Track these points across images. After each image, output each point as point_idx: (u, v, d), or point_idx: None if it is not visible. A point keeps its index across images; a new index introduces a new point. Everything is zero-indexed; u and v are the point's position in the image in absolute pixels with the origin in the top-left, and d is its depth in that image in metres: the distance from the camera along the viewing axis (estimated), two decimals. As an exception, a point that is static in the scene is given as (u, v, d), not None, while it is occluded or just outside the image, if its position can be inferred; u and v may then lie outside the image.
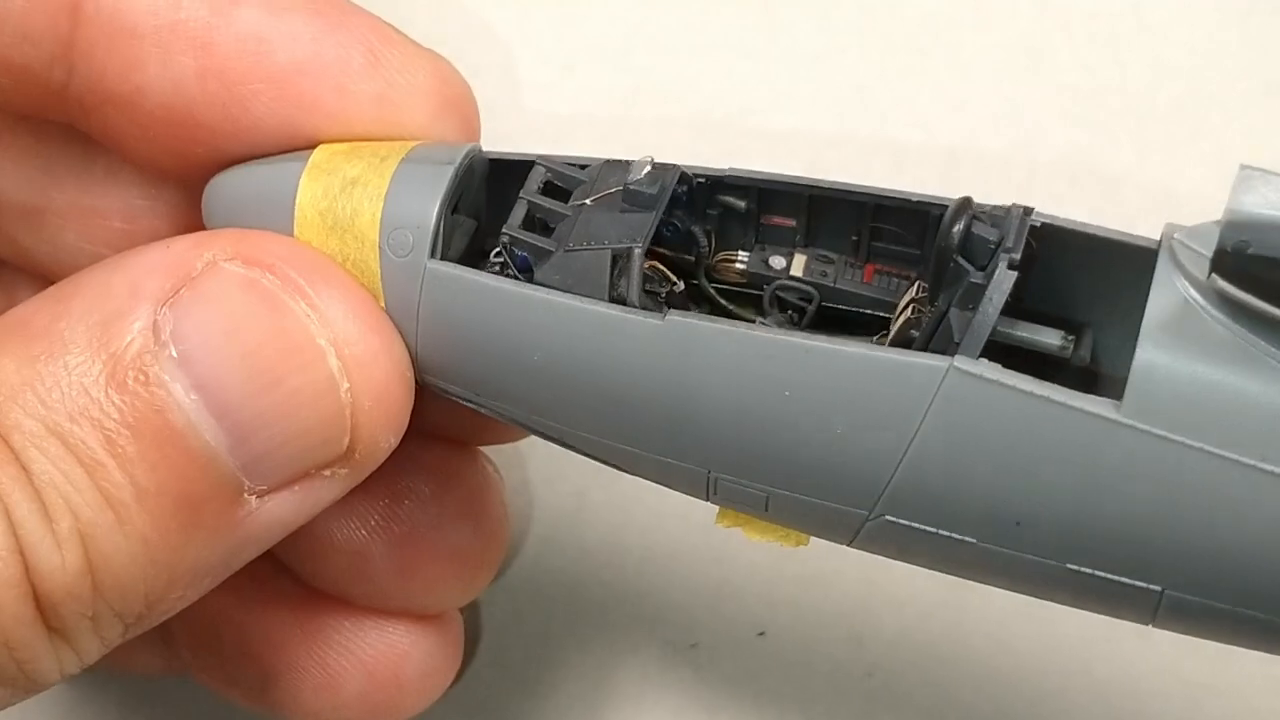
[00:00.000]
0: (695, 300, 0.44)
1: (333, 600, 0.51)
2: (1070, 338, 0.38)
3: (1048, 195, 0.63)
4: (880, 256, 0.43)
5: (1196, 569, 0.37)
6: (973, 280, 0.37)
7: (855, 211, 0.42)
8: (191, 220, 0.45)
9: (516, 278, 0.40)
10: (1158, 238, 0.38)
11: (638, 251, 0.38)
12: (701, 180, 0.41)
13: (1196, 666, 0.58)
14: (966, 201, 0.38)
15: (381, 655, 0.51)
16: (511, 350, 0.40)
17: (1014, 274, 0.36)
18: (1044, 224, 0.38)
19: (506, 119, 0.65)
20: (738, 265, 0.43)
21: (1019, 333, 0.38)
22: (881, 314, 0.42)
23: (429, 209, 0.39)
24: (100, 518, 0.36)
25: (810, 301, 0.42)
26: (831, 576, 0.60)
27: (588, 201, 0.40)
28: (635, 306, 0.38)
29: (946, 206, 0.39)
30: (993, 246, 0.37)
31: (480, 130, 0.45)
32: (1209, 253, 0.35)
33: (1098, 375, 0.41)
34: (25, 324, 0.38)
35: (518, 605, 0.61)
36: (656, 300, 0.40)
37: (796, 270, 0.43)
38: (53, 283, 0.48)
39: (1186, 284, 0.35)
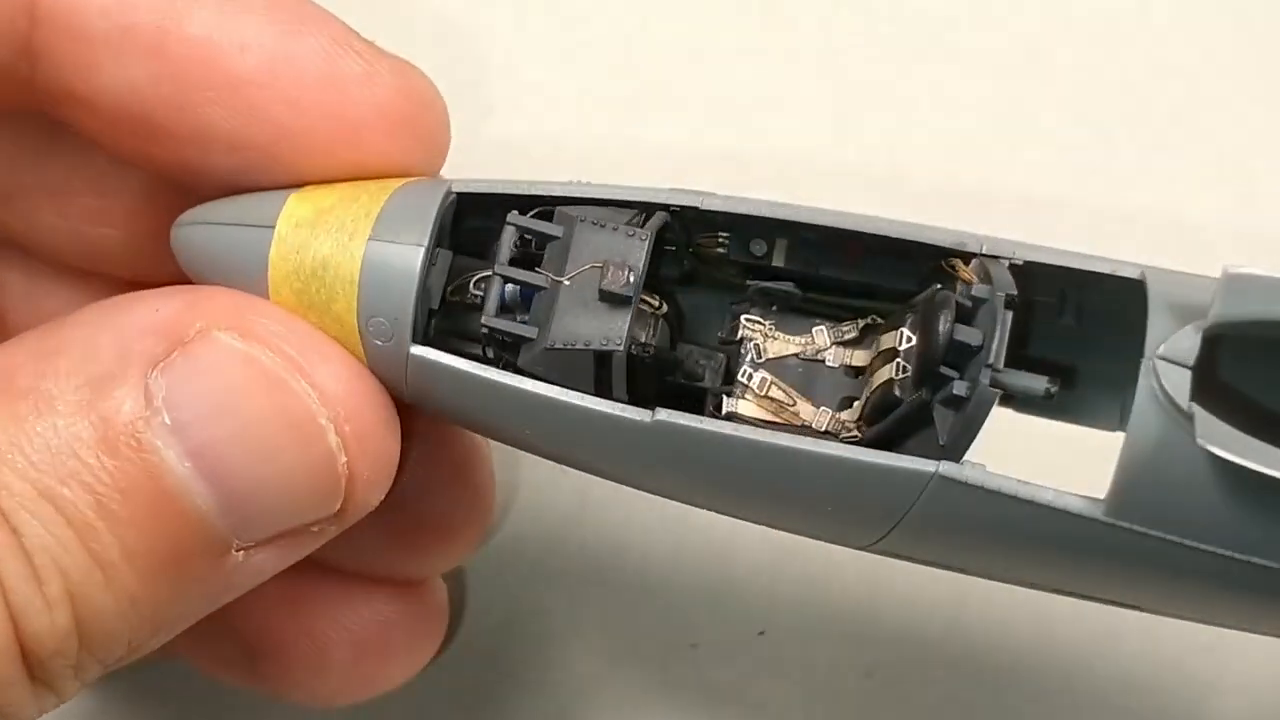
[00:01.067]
0: (681, 276, 0.44)
1: (317, 569, 0.50)
2: (1054, 383, 0.39)
3: (1047, 197, 0.63)
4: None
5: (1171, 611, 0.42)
6: (955, 393, 0.37)
7: (830, 234, 0.42)
8: (160, 198, 0.45)
9: (503, 358, 0.40)
10: (1133, 264, 0.38)
11: (618, 355, 0.39)
12: (677, 213, 0.41)
13: (1198, 665, 0.58)
14: (946, 299, 0.39)
15: (368, 623, 0.51)
16: (500, 426, 0.42)
17: (999, 392, 0.37)
18: (1026, 263, 0.39)
19: (506, 122, 0.65)
20: (718, 249, 0.43)
21: (1008, 379, 0.38)
22: (868, 298, 0.43)
23: (406, 300, 0.39)
24: (89, 578, 0.36)
25: (792, 298, 0.43)
26: (831, 576, 0.60)
27: (565, 281, 0.40)
28: (623, 402, 0.39)
29: (928, 243, 0.40)
30: (976, 350, 0.38)
31: (448, 139, 0.44)
32: (1190, 362, 0.36)
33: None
34: (8, 378, 0.37)
35: (518, 605, 0.61)
36: (644, 362, 0.41)
37: (778, 257, 0.42)
38: (33, 257, 0.49)
39: (1169, 411, 0.36)
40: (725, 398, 0.42)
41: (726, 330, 0.43)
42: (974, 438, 0.38)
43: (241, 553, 0.38)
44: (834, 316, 0.43)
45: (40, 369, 0.37)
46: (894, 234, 0.40)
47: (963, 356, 0.38)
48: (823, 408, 0.41)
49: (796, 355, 0.42)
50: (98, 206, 0.47)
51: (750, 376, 0.42)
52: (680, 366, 0.44)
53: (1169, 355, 0.36)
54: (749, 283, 0.43)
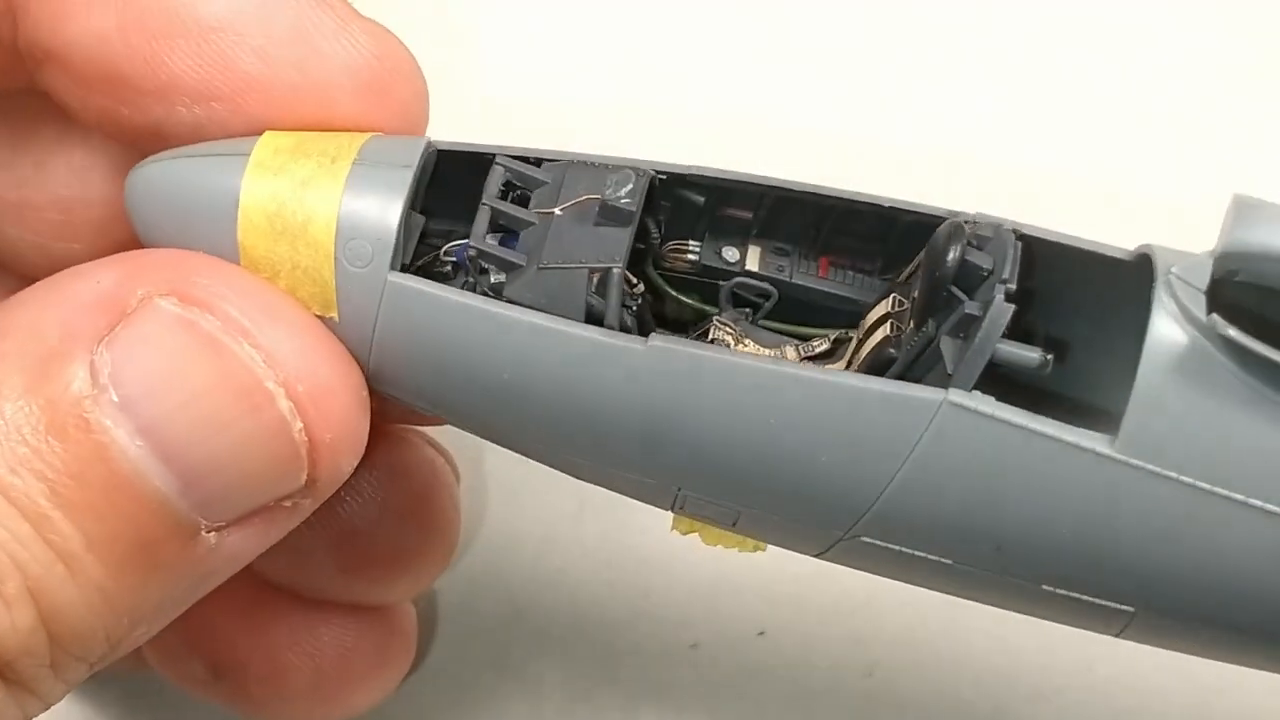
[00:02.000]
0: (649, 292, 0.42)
1: (279, 592, 0.50)
2: (1049, 356, 0.37)
3: (1046, 196, 0.63)
4: (836, 250, 0.42)
5: (1175, 594, 0.37)
6: (968, 311, 0.36)
7: (817, 210, 0.41)
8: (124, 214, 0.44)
9: (486, 293, 0.38)
10: (1131, 249, 0.37)
11: (617, 272, 0.37)
12: (663, 177, 0.40)
13: (1199, 665, 0.58)
14: (959, 227, 0.37)
15: (328, 647, 0.50)
16: (478, 368, 0.38)
17: (1011, 307, 0.35)
18: (1022, 237, 0.38)
19: (506, 117, 0.65)
20: (689, 256, 0.42)
21: (1001, 349, 0.36)
22: (841, 308, 0.41)
23: (389, 218, 0.37)
24: (50, 572, 0.34)
25: (768, 298, 0.41)
26: (831, 576, 0.60)
27: (558, 211, 0.38)
28: (614, 328, 0.37)
29: (919, 213, 0.38)
30: (986, 274, 0.36)
31: (427, 114, 0.42)
32: (1203, 286, 0.34)
33: (1076, 400, 0.41)
34: None
35: (518, 605, 0.61)
36: (630, 314, 0.39)
37: (751, 263, 0.41)
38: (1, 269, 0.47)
39: (1185, 323, 0.35)
40: None
41: (698, 333, 0.42)
42: (985, 361, 0.35)
43: (213, 534, 0.37)
44: (802, 338, 0.41)
45: None
46: (886, 204, 0.39)
47: (972, 283, 0.36)
48: None
49: None
50: (61, 221, 0.46)
51: None
52: None
53: (1183, 275, 0.34)
54: (722, 283, 0.42)
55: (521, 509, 0.61)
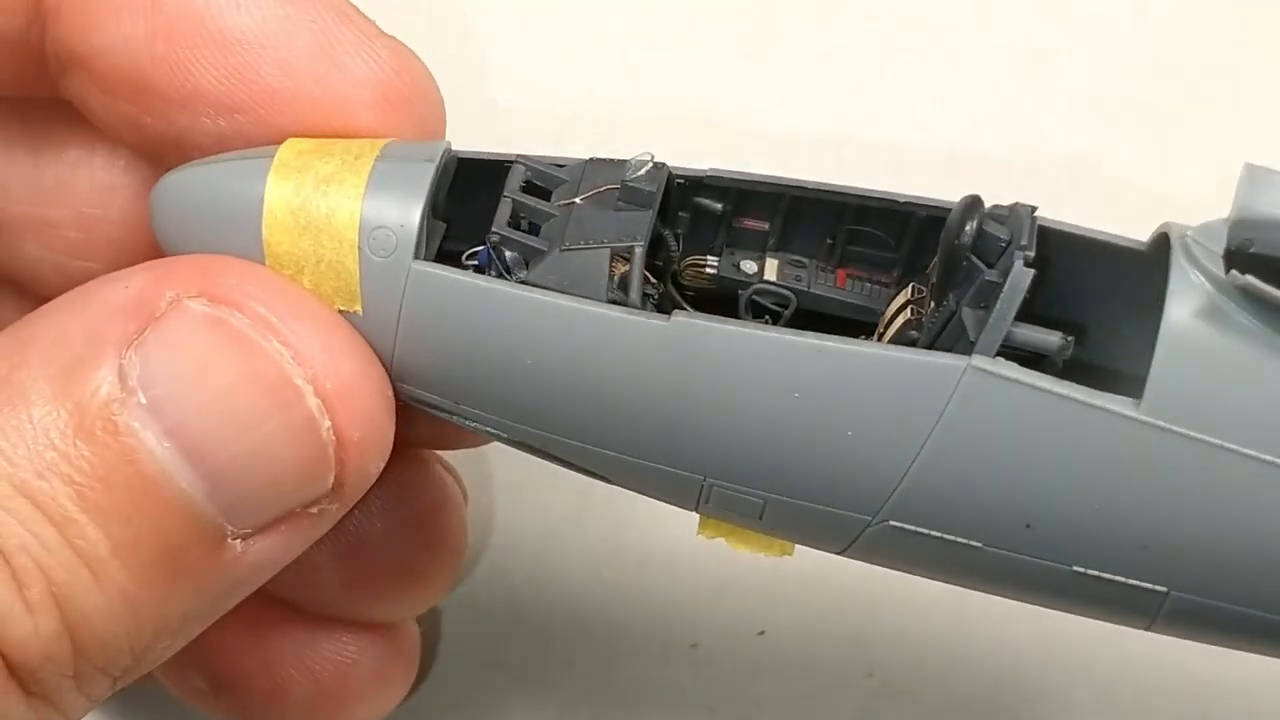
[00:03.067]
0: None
1: (282, 606, 0.50)
2: (1069, 339, 0.37)
3: (1048, 196, 0.62)
4: (853, 261, 0.42)
5: (1208, 570, 0.36)
6: (988, 278, 0.36)
7: (832, 214, 0.41)
8: (147, 228, 0.44)
9: (507, 278, 0.38)
10: (1146, 239, 0.37)
11: (639, 250, 0.37)
12: (681, 180, 0.40)
13: (1199, 664, 0.58)
14: (976, 200, 0.38)
15: (329, 663, 0.50)
16: (502, 354, 0.38)
17: (1031, 271, 0.35)
18: (1038, 227, 0.38)
19: (505, 120, 0.65)
20: (708, 270, 0.42)
21: (1020, 333, 0.36)
22: (859, 318, 0.42)
23: (413, 206, 0.37)
24: (75, 578, 0.34)
25: (786, 306, 0.42)
26: (831, 576, 0.60)
27: (578, 200, 0.38)
28: (637, 307, 0.37)
29: (934, 206, 0.39)
30: (1004, 244, 0.37)
31: (443, 129, 0.43)
32: (1220, 249, 0.34)
33: (1100, 374, 0.40)
34: None
35: (517, 605, 0.61)
36: (650, 301, 0.39)
37: (769, 274, 0.42)
38: (16, 289, 0.48)
39: (1204, 280, 0.34)
40: None
41: None
42: (1007, 327, 0.35)
43: (239, 541, 0.37)
44: None
45: (12, 362, 0.36)
46: (901, 200, 0.39)
47: (990, 254, 0.37)
48: None
49: None
50: (82, 239, 0.46)
51: None
52: None
53: (1199, 238, 0.34)
54: (740, 292, 0.42)
55: (521, 509, 0.61)
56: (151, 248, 0.42)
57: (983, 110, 0.64)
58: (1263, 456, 0.34)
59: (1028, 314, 0.37)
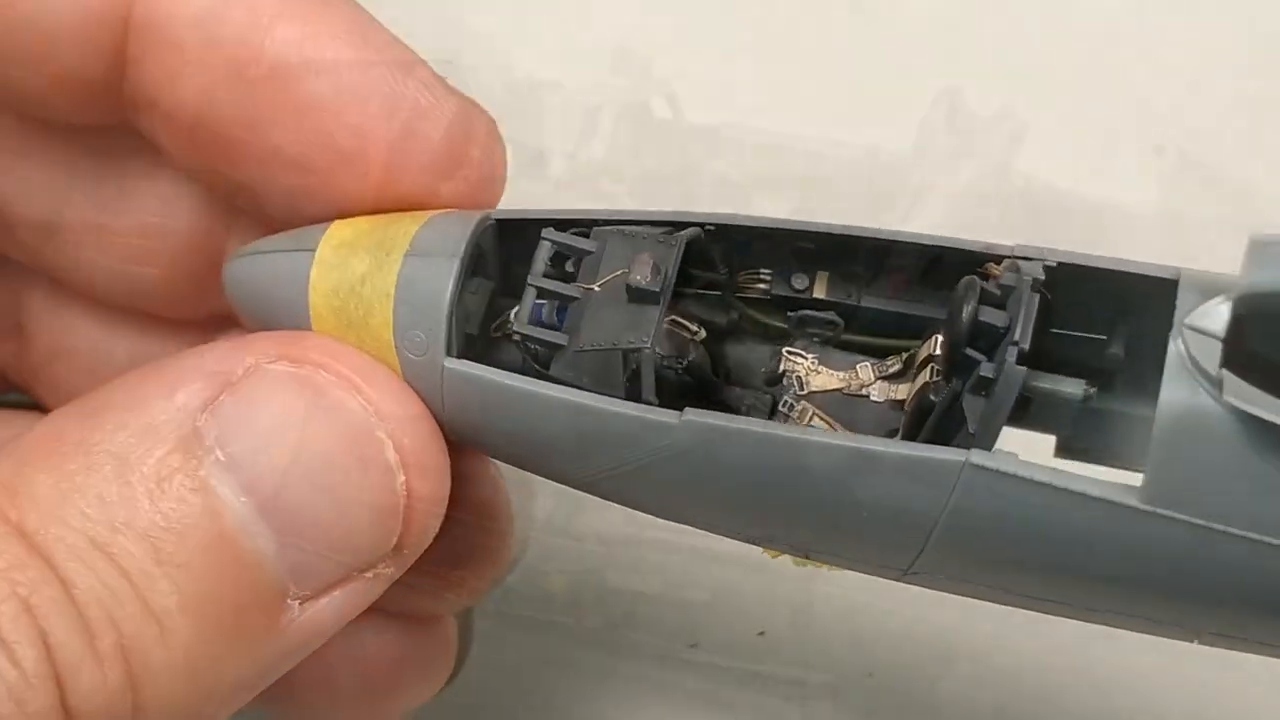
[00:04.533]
0: (725, 309, 0.43)
1: None
2: (1092, 388, 0.38)
3: (1047, 196, 0.63)
4: (898, 272, 0.42)
5: (1222, 626, 0.39)
6: (982, 374, 0.37)
7: (863, 248, 0.42)
8: (208, 236, 0.45)
9: (537, 365, 0.40)
10: (1173, 267, 0.38)
11: (646, 353, 0.38)
12: (710, 229, 0.41)
13: (1199, 665, 0.58)
14: (972, 283, 0.38)
15: (377, 655, 0.50)
16: (534, 438, 0.40)
17: (1023, 370, 0.36)
18: (1059, 264, 0.38)
19: (507, 123, 0.65)
20: (760, 284, 0.43)
21: (1042, 385, 0.38)
22: (910, 328, 0.42)
23: (439, 312, 0.39)
24: (144, 630, 0.35)
25: (835, 328, 0.42)
26: (831, 577, 0.60)
27: (596, 288, 0.40)
28: (652, 404, 0.38)
29: (958, 249, 0.39)
30: (1002, 332, 0.37)
31: (502, 182, 0.44)
32: (1219, 334, 0.35)
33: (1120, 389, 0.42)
34: (56, 440, 0.37)
35: (517, 604, 0.61)
36: (676, 373, 0.41)
37: (819, 289, 0.42)
38: (67, 290, 0.49)
39: (1199, 378, 0.35)
40: None
41: (770, 368, 0.43)
42: (1003, 422, 0.37)
43: (298, 603, 0.37)
44: (878, 353, 0.42)
45: (88, 425, 0.36)
46: (926, 243, 0.40)
47: (990, 341, 0.37)
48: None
49: (840, 390, 0.42)
50: (143, 246, 0.47)
51: (791, 407, 0.42)
52: (724, 405, 0.43)
53: (1196, 325, 0.35)
54: (789, 314, 0.43)
55: (522, 509, 0.61)
56: (208, 258, 0.44)
57: (983, 110, 0.64)
58: (1265, 539, 0.35)
59: (1054, 347, 0.38)
